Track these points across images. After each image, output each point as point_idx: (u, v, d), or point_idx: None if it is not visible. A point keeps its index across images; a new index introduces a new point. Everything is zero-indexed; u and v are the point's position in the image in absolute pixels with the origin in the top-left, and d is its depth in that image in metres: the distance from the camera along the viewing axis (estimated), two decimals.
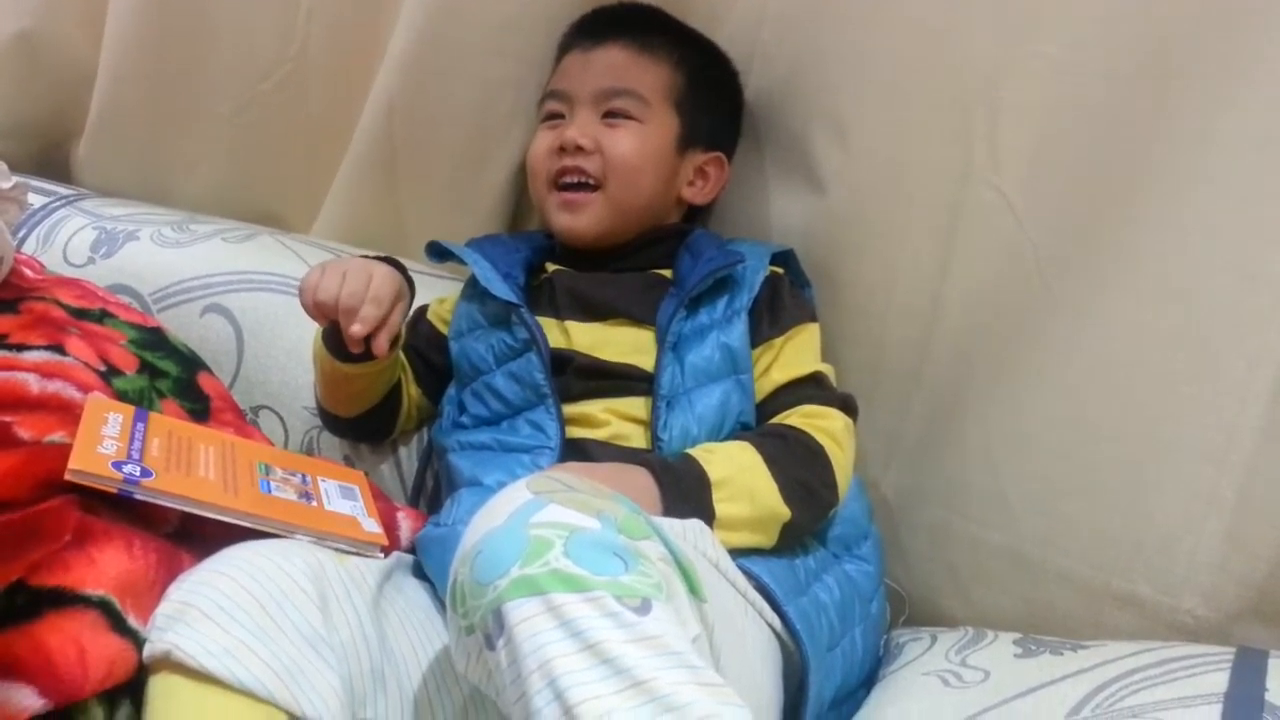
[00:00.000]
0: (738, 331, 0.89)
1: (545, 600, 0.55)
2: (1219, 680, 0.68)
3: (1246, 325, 0.81)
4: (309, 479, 0.84)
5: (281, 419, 1.06)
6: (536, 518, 0.58)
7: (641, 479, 0.78)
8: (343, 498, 0.83)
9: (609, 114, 0.96)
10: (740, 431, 0.87)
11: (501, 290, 0.90)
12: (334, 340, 0.89)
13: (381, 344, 0.86)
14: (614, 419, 0.87)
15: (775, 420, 0.88)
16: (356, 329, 0.83)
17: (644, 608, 0.55)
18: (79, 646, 0.65)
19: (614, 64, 0.97)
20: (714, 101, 1.00)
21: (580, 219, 0.95)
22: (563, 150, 0.95)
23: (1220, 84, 0.81)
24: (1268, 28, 0.79)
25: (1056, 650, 0.78)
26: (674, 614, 0.57)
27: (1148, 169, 0.85)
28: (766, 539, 0.81)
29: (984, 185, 0.92)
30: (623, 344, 0.90)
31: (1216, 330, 0.82)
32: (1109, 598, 0.87)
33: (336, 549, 0.74)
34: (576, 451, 0.86)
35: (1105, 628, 0.86)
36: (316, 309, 0.86)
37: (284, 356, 1.07)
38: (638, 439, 0.87)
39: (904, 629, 0.95)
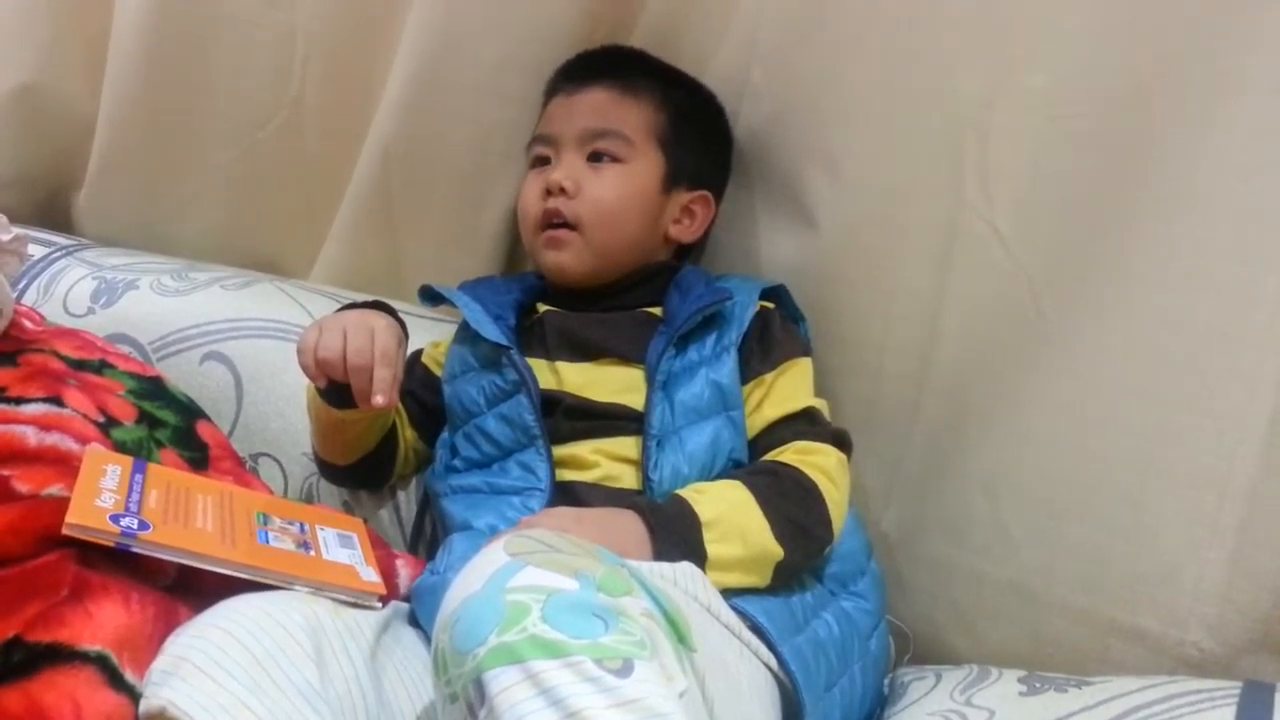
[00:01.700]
0: (727, 368, 0.89)
1: (524, 668, 0.54)
2: (1225, 716, 0.68)
3: (1243, 350, 0.81)
4: (307, 528, 0.84)
5: (281, 466, 1.06)
6: (513, 582, 0.57)
7: (631, 523, 0.78)
8: (341, 546, 0.83)
9: (594, 155, 0.97)
10: (732, 469, 0.87)
11: (491, 333, 0.90)
12: (330, 390, 0.89)
13: (394, 398, 0.85)
14: (604, 460, 0.87)
15: (768, 457, 0.87)
16: (379, 400, 0.83)
17: (625, 669, 0.55)
18: (75, 703, 0.65)
19: (597, 105, 0.98)
20: (699, 139, 1.01)
21: (564, 256, 0.96)
22: (549, 193, 0.96)
23: (1207, 110, 0.81)
24: (1251, 56, 0.79)
25: (1061, 687, 0.77)
26: (658, 671, 0.56)
27: (1138, 196, 0.85)
28: (760, 578, 0.80)
29: (975, 215, 0.92)
30: (613, 383, 0.90)
31: (1213, 355, 0.82)
32: (1114, 631, 0.86)
33: (334, 599, 0.74)
34: (566, 495, 0.86)
35: (1111, 661, 0.86)
36: (320, 368, 0.85)
37: (283, 403, 1.07)
38: (628, 479, 0.87)
39: (908, 667, 0.94)
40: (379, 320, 0.87)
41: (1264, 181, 0.80)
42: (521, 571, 0.58)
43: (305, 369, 0.86)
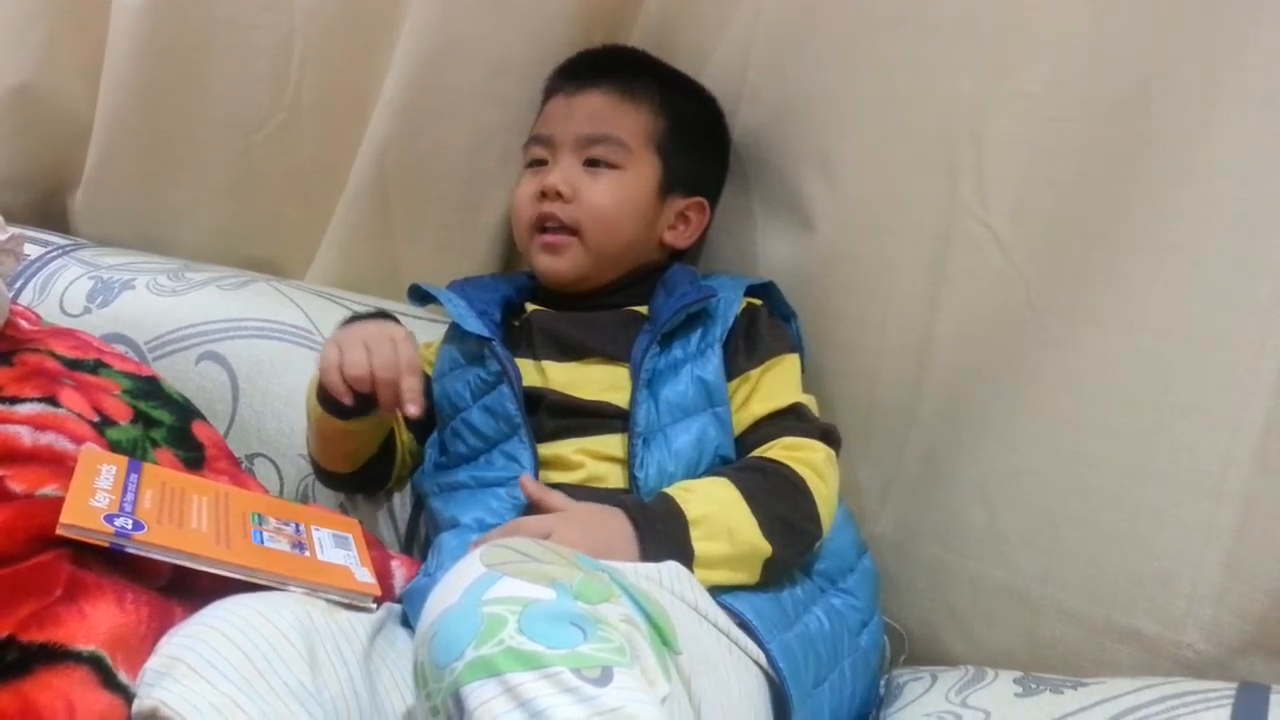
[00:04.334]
0: (712, 365, 0.89)
1: (502, 681, 0.54)
2: (1220, 717, 0.68)
3: (1236, 355, 0.81)
4: (302, 528, 0.83)
5: (276, 466, 1.06)
6: (489, 594, 0.57)
7: (618, 522, 0.78)
8: (336, 547, 0.83)
9: (591, 160, 0.96)
10: (719, 466, 0.87)
11: (474, 326, 0.91)
12: (335, 400, 0.88)
13: (423, 404, 0.85)
14: (588, 460, 0.87)
15: (755, 453, 0.87)
16: (413, 410, 0.83)
17: (605, 677, 0.54)
18: (69, 703, 0.65)
19: (596, 110, 0.98)
20: (697, 146, 1.01)
21: (560, 261, 0.96)
22: (544, 196, 0.96)
23: (1202, 117, 0.82)
24: (1246, 64, 0.79)
25: (1057, 689, 0.77)
26: (639, 678, 0.56)
27: (1132, 202, 0.85)
28: (749, 575, 0.80)
29: (971, 220, 0.92)
30: (598, 382, 0.90)
31: (1208, 361, 0.82)
32: (1110, 633, 0.86)
33: (329, 600, 0.74)
34: None
35: (1108, 663, 0.86)
36: (350, 385, 0.84)
37: (279, 403, 1.07)
38: (614, 479, 0.87)
39: (904, 668, 0.94)
40: (396, 330, 0.88)
41: (1258, 188, 0.80)
42: (498, 583, 0.58)
43: (333, 387, 0.85)
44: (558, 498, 0.82)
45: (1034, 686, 0.79)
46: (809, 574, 0.88)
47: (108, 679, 0.66)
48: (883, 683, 0.92)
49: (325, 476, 1.00)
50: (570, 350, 0.93)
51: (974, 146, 0.91)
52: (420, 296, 0.98)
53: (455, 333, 0.96)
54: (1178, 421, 0.83)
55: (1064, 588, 0.89)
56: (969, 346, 0.94)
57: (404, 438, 0.99)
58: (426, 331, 1.07)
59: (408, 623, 0.81)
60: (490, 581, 0.58)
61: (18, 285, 1.23)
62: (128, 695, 0.66)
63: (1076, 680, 0.79)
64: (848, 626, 0.87)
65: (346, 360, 0.84)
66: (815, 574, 0.88)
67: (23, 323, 1.00)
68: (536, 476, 0.86)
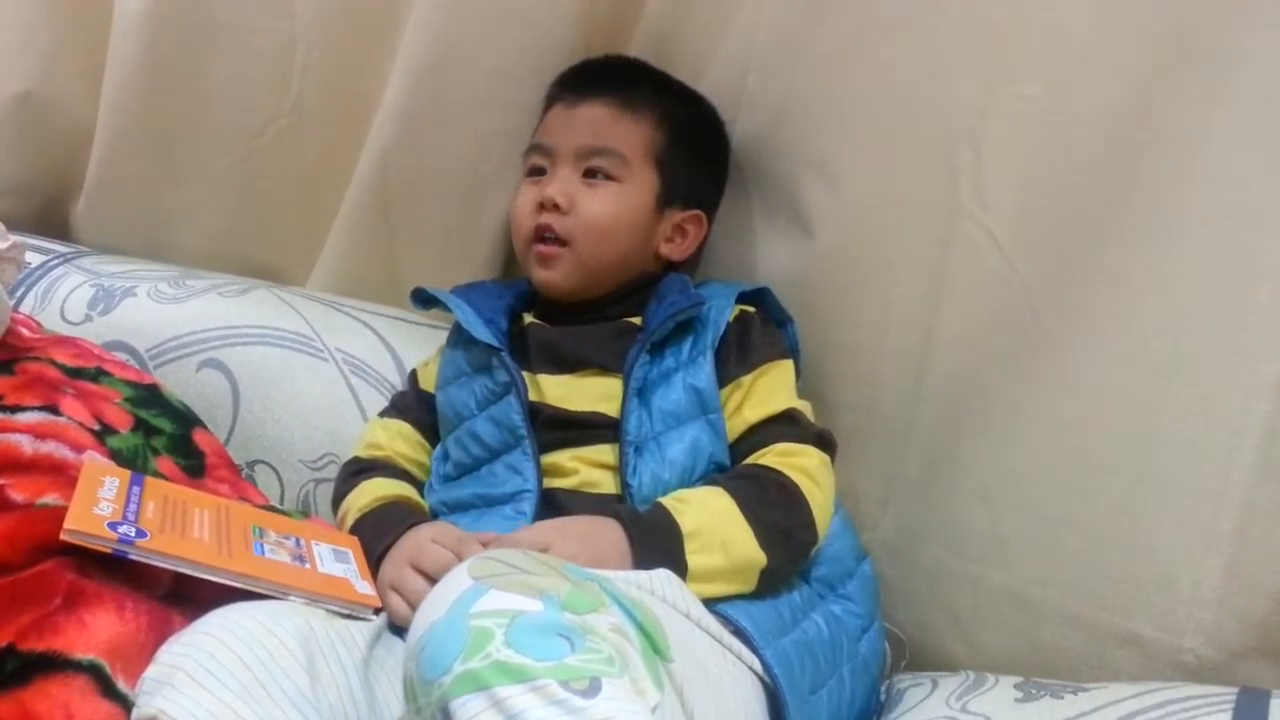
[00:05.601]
0: (704, 372, 0.89)
1: (489, 695, 0.54)
2: None
3: (1237, 358, 0.81)
4: (302, 542, 0.83)
5: (277, 473, 1.06)
6: (476, 606, 0.57)
7: (613, 533, 0.78)
8: (336, 560, 0.82)
9: (589, 171, 0.97)
10: (714, 472, 0.87)
11: (483, 334, 0.91)
12: None
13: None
14: (583, 466, 0.88)
15: (749, 460, 0.87)
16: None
17: (593, 688, 0.54)
18: (68, 712, 0.65)
19: (596, 122, 0.98)
20: (696, 158, 1.01)
21: (553, 272, 0.96)
22: (542, 208, 0.96)
23: (1202, 118, 0.81)
24: (1241, 67, 0.79)
25: (1057, 694, 0.77)
26: (628, 687, 0.56)
27: (1132, 204, 0.85)
28: (745, 585, 0.81)
29: (971, 223, 0.92)
30: (592, 394, 0.91)
31: (1209, 364, 0.82)
32: (1111, 637, 0.86)
33: (329, 610, 0.74)
34: (548, 501, 0.86)
35: (1108, 668, 0.86)
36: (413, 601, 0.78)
37: (280, 410, 1.07)
38: (607, 484, 0.87)
39: (904, 674, 0.94)
40: (425, 531, 0.84)
41: (1258, 190, 0.80)
42: (485, 596, 0.58)
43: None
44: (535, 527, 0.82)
45: (1034, 692, 0.79)
46: (808, 580, 0.88)
47: (107, 688, 0.66)
48: (883, 688, 0.92)
49: None
50: (565, 363, 0.93)
51: (973, 149, 0.91)
52: (423, 300, 0.99)
53: (460, 339, 0.96)
54: (1179, 424, 0.83)
55: (1065, 591, 0.88)
56: (969, 349, 0.94)
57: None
58: (426, 339, 1.07)
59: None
60: (477, 594, 0.58)
61: (19, 293, 1.23)
62: (126, 704, 0.66)
63: (1077, 685, 0.78)
64: (847, 633, 0.87)
65: (409, 595, 0.79)
66: (814, 580, 0.88)
67: (24, 331, 1.01)
68: (540, 488, 0.86)
